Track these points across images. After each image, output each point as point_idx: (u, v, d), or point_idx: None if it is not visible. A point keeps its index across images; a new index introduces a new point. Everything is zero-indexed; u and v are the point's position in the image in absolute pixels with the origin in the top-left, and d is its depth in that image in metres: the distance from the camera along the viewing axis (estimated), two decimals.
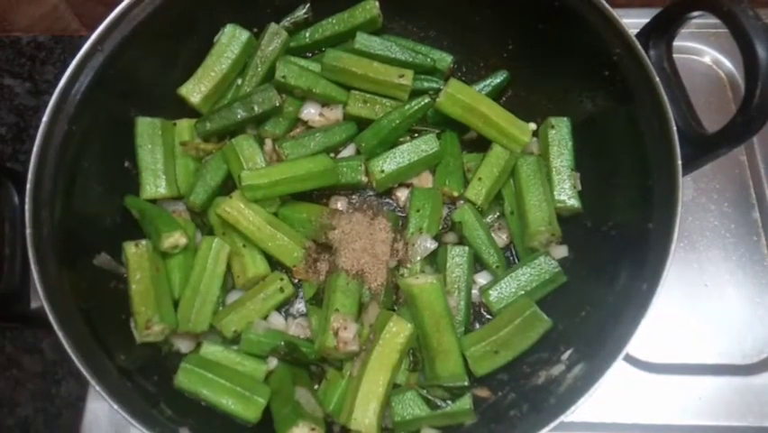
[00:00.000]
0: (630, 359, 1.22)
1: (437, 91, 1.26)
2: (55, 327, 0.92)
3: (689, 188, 1.34)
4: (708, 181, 1.34)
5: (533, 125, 1.27)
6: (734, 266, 1.28)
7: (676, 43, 1.08)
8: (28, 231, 0.95)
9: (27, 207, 0.96)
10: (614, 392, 1.19)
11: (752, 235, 1.30)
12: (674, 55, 1.08)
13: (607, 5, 1.06)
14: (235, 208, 1.14)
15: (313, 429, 1.00)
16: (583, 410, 1.15)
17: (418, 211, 1.20)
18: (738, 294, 1.26)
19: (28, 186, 0.97)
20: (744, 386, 1.19)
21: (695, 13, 0.99)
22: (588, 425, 1.17)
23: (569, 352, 1.04)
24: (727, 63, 1.42)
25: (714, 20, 0.92)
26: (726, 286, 1.27)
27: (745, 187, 1.34)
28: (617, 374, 1.17)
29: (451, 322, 1.08)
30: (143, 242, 1.10)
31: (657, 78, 1.01)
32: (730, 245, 1.30)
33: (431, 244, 1.17)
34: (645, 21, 1.08)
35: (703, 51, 1.45)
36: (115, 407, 0.89)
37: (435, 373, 1.04)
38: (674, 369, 1.21)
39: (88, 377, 0.90)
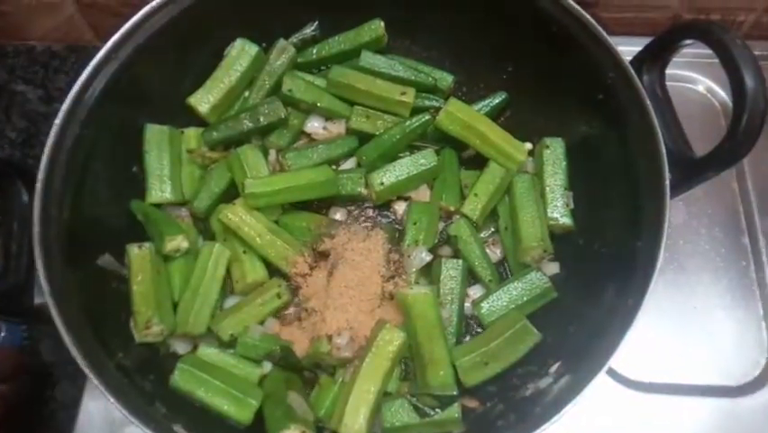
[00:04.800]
0: (619, 378, 1.24)
1: (437, 109, 1.29)
2: (57, 322, 0.94)
3: (680, 211, 1.36)
4: (700, 206, 1.36)
5: (528, 145, 1.29)
6: (723, 290, 1.30)
7: (672, 71, 1.12)
8: (36, 229, 0.97)
9: (36, 205, 0.98)
10: (603, 411, 1.21)
11: (741, 260, 1.33)
12: (669, 83, 1.11)
13: (602, 31, 1.10)
14: (237, 215, 1.17)
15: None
16: (573, 428, 1.18)
17: (415, 224, 1.23)
18: (727, 317, 1.28)
19: (38, 185, 0.99)
20: (730, 407, 1.21)
21: (687, 42, 1.03)
22: None
23: (556, 365, 1.06)
24: (721, 92, 1.46)
25: (708, 50, 0.95)
26: (715, 309, 1.29)
27: (735, 212, 1.36)
28: (606, 393, 1.21)
29: (443, 332, 1.10)
30: (146, 244, 1.13)
31: (648, 102, 1.04)
32: (720, 269, 1.32)
33: (426, 256, 1.20)
34: (637, 48, 1.11)
35: (697, 80, 1.48)
36: (112, 401, 0.91)
37: (426, 381, 1.06)
38: (663, 389, 1.23)
39: (87, 371, 0.92)
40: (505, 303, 1.17)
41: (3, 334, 1.30)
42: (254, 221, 1.18)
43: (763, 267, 1.31)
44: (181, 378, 1.06)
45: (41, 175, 1.00)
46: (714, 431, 1.19)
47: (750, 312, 1.28)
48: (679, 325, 1.28)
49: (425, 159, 1.27)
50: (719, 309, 1.29)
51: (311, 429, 1.04)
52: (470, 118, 1.25)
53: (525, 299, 1.16)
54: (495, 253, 1.27)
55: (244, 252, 1.19)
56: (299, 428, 1.01)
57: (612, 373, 1.24)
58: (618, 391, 1.22)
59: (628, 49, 1.11)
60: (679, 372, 1.24)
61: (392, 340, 1.08)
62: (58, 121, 1.03)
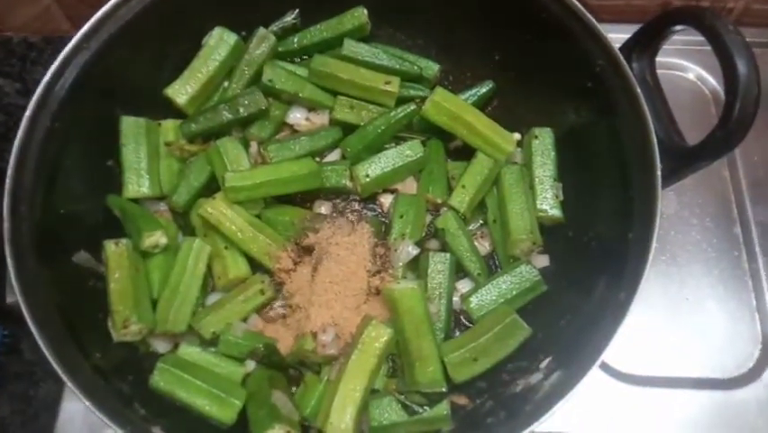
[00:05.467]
0: (611, 371, 1.22)
1: (423, 99, 1.27)
2: (29, 321, 0.91)
3: (672, 202, 1.35)
4: (692, 196, 1.35)
5: (517, 135, 1.27)
6: (715, 280, 1.29)
7: (661, 59, 1.09)
8: (5, 225, 0.94)
9: (6, 201, 0.96)
10: (595, 405, 1.19)
11: (733, 250, 1.31)
12: (659, 71, 1.09)
13: (591, 17, 1.07)
14: (217, 209, 1.14)
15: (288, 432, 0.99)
16: (564, 422, 1.17)
17: (402, 217, 1.20)
18: (719, 308, 1.27)
19: (7, 180, 0.96)
20: (723, 400, 1.19)
21: (678, 28, 1.01)
22: None
23: (547, 360, 1.04)
24: (711, 79, 1.44)
25: (698, 37, 0.93)
26: (707, 300, 1.27)
27: (727, 202, 1.35)
28: (599, 386, 1.20)
29: (431, 328, 1.08)
30: (124, 241, 1.10)
31: (638, 90, 1.02)
32: (712, 260, 1.30)
33: (413, 250, 1.17)
34: (627, 35, 1.09)
35: (688, 68, 1.47)
36: (87, 404, 0.88)
37: (414, 378, 1.04)
38: (655, 382, 1.21)
39: (60, 373, 0.89)
40: (494, 297, 1.14)
41: None
42: (235, 215, 1.15)
43: (755, 257, 1.30)
44: (161, 378, 1.03)
45: (10, 170, 0.97)
46: (707, 423, 1.18)
47: (743, 303, 1.27)
48: (671, 316, 1.26)
49: (411, 150, 1.24)
50: (712, 301, 1.27)
51: (296, 429, 1.01)
52: (456, 108, 1.23)
53: (514, 292, 1.14)
54: (483, 246, 1.24)
55: (226, 247, 1.16)
56: (284, 427, 0.99)
57: (604, 366, 1.22)
58: (611, 384, 1.21)
59: (618, 36, 1.08)
60: (671, 364, 1.23)
61: (379, 336, 1.05)
62: (27, 113, 1.00)
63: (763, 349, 1.24)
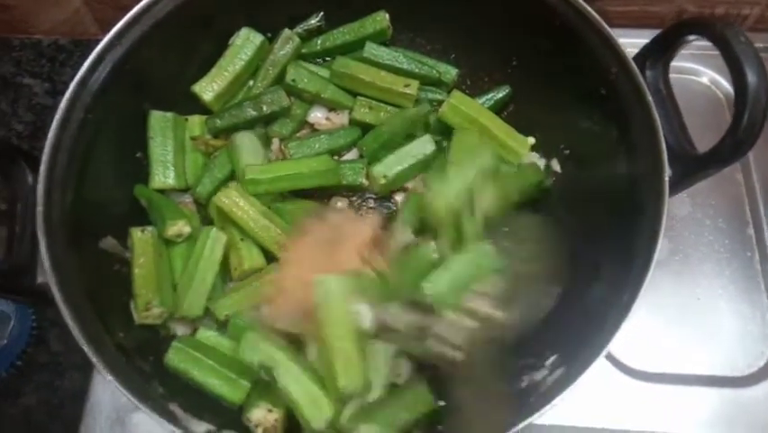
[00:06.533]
0: (623, 368, 1.23)
1: (441, 102, 1.30)
2: (58, 299, 0.94)
3: (685, 203, 1.36)
4: (705, 198, 1.36)
5: (531, 140, 1.30)
6: (727, 281, 1.29)
7: (676, 64, 1.11)
8: (39, 209, 0.98)
9: (40, 186, 0.99)
10: (607, 400, 1.20)
11: (745, 251, 1.32)
12: (674, 75, 1.11)
13: (605, 25, 1.10)
14: (230, 198, 1.17)
15: (270, 411, 1.02)
16: (577, 417, 1.18)
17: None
18: (730, 308, 1.27)
19: (42, 167, 1.00)
20: (733, 398, 1.20)
21: (690, 38, 1.03)
22: (577, 429, 1.18)
23: (553, 358, 1.05)
24: (725, 84, 1.46)
25: None
26: (719, 300, 1.28)
27: (740, 204, 1.36)
28: (611, 382, 1.21)
29: None
30: (149, 228, 1.14)
31: (650, 98, 1.03)
32: (724, 260, 1.31)
33: (408, 237, 1.17)
34: (643, 40, 1.11)
35: (702, 72, 1.48)
36: (109, 378, 0.91)
37: None
38: (666, 379, 1.22)
39: (86, 349, 0.92)
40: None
41: (12, 322, 1.32)
42: (248, 204, 1.18)
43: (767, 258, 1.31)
44: (176, 356, 1.06)
45: (44, 158, 1.01)
46: (717, 421, 1.18)
47: (754, 303, 1.27)
48: (683, 315, 1.27)
49: (422, 146, 1.27)
50: (723, 300, 1.28)
51: (281, 408, 1.04)
52: (473, 111, 1.26)
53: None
54: None
55: (241, 239, 1.18)
56: (266, 405, 1.03)
57: (616, 362, 1.23)
58: (622, 381, 1.22)
59: (635, 41, 1.10)
60: (683, 362, 1.23)
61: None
62: (62, 105, 1.04)
63: None
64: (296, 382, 1.00)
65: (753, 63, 0.89)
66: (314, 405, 0.99)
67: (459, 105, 1.25)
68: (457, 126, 1.26)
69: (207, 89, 1.26)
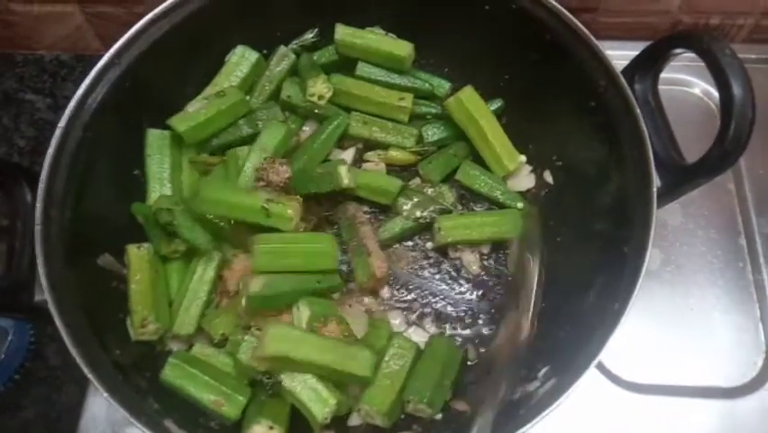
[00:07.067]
0: (615, 379, 1.24)
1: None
2: (55, 317, 0.95)
3: (677, 213, 1.37)
4: (697, 208, 1.37)
5: (523, 158, 1.32)
6: (719, 291, 1.30)
7: (667, 75, 1.13)
8: (37, 227, 1.00)
9: (38, 205, 1.01)
10: (599, 412, 1.21)
11: (738, 262, 1.33)
12: (666, 87, 1.12)
13: (593, 39, 1.11)
14: None
15: (271, 428, 1.03)
16: (569, 430, 1.18)
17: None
18: (723, 319, 1.28)
19: (40, 185, 1.02)
20: (726, 408, 1.20)
21: (678, 51, 1.05)
22: None
23: (545, 369, 1.06)
24: (716, 95, 1.44)
25: None
26: (712, 310, 1.29)
27: (732, 214, 1.37)
28: (603, 394, 1.21)
29: None
30: (146, 245, 1.15)
31: (638, 110, 1.05)
32: (716, 271, 1.32)
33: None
34: (635, 53, 1.12)
35: (694, 84, 1.49)
36: (105, 395, 0.92)
37: None
38: (659, 390, 1.22)
39: (82, 366, 0.93)
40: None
41: (10, 337, 1.33)
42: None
43: (760, 268, 1.32)
44: (172, 373, 1.07)
45: (43, 176, 1.02)
46: (710, 432, 1.18)
47: (747, 314, 1.28)
48: (675, 326, 1.28)
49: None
50: (716, 311, 1.29)
51: (281, 424, 1.04)
52: (476, 111, 1.28)
53: None
54: None
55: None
56: (268, 423, 1.03)
57: (608, 374, 1.24)
58: (615, 392, 1.22)
59: (627, 53, 1.12)
60: (675, 373, 1.24)
61: None
62: (61, 124, 1.05)
63: (766, 359, 1.25)
64: (300, 382, 1.02)
65: (738, 76, 0.91)
66: (318, 400, 1.02)
67: (465, 102, 1.27)
68: (457, 121, 1.28)
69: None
